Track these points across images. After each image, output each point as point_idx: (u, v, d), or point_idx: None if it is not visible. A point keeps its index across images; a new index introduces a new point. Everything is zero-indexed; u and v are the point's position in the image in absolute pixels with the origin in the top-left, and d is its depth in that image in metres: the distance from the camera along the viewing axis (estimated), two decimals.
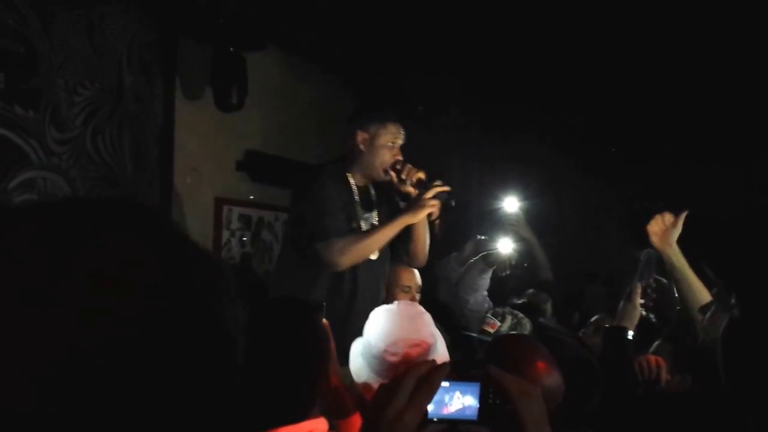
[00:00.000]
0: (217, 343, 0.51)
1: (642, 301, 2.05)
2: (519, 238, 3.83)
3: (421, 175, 2.51)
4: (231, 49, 3.30)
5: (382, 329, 1.59)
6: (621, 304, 2.06)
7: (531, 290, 3.58)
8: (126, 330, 0.44)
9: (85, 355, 0.43)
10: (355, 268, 2.52)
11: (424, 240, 2.65)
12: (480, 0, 3.10)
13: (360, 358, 1.62)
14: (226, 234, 3.61)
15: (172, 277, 0.48)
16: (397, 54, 3.86)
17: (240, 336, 0.53)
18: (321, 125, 4.23)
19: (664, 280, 2.51)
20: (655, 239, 2.30)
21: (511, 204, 3.76)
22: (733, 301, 2.04)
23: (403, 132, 2.56)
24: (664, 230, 2.29)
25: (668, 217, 2.31)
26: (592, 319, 3.00)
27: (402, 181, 2.52)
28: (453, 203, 2.51)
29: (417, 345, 1.56)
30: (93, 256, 0.46)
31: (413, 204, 2.46)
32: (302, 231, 2.48)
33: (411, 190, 2.51)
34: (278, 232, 3.97)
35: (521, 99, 4.17)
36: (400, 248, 2.69)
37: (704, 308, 2.19)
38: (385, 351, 1.54)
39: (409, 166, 2.52)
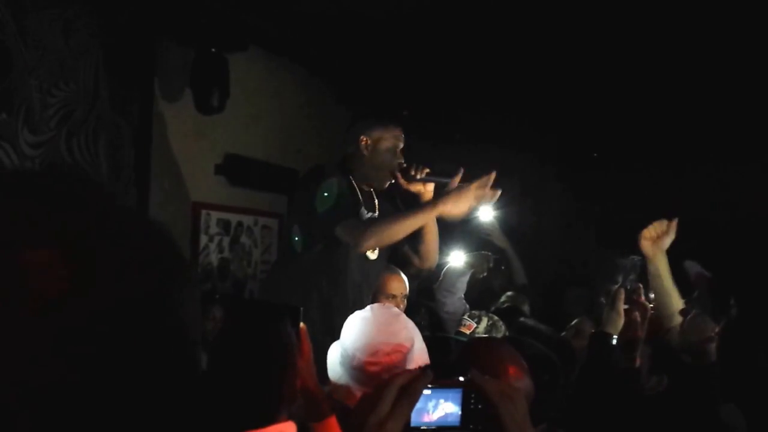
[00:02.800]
0: (171, 330, 0.46)
1: (626, 306, 2.05)
2: (494, 247, 3.83)
3: (428, 170, 2.47)
4: (213, 49, 3.24)
5: (359, 338, 1.58)
6: (605, 310, 2.07)
7: (509, 293, 3.60)
8: (81, 317, 0.41)
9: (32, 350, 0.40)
10: (353, 270, 2.49)
11: (435, 240, 2.60)
12: (460, 11, 3.11)
13: (339, 367, 1.60)
14: (204, 239, 3.57)
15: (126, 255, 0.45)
16: (380, 57, 3.86)
17: (198, 325, 0.49)
18: (304, 128, 4.20)
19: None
20: (646, 245, 2.28)
21: (485, 213, 3.72)
22: (731, 301, 2.06)
23: (403, 135, 2.54)
24: (657, 237, 2.29)
25: (663, 225, 2.30)
26: (573, 322, 3.03)
27: (410, 179, 2.47)
28: None
29: (395, 351, 1.55)
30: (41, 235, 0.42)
31: (455, 192, 2.29)
32: (317, 220, 2.38)
33: (420, 188, 2.48)
34: (257, 237, 3.93)
35: (497, 106, 4.18)
36: (408, 250, 2.64)
37: (684, 311, 2.21)
38: (365, 361, 1.53)
39: (415, 164, 2.49)
